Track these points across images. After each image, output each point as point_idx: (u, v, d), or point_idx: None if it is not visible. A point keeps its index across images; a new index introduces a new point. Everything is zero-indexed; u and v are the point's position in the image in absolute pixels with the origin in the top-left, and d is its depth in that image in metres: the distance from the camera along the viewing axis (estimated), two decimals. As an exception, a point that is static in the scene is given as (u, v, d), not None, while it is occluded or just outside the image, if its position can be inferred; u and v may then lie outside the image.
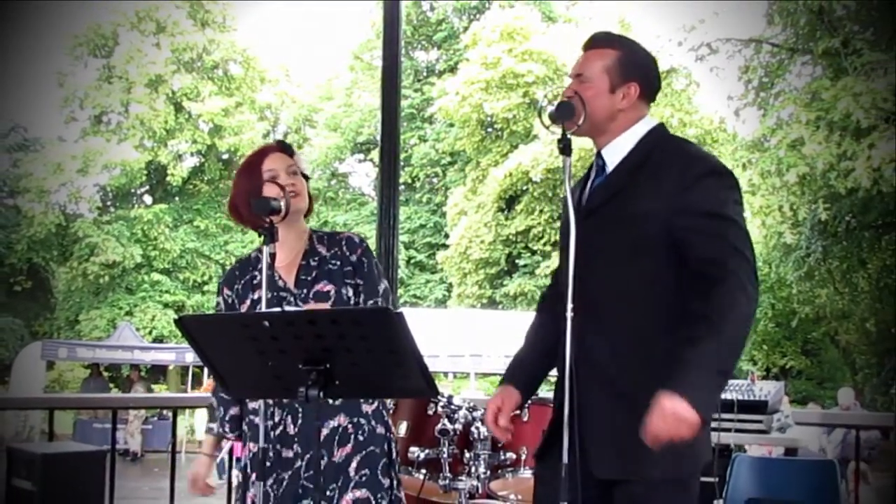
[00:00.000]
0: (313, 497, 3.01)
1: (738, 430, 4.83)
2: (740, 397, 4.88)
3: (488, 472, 3.83)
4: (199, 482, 3.33)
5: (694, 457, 2.68)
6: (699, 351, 2.48)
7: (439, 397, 3.82)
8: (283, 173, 3.21)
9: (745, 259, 2.60)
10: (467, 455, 3.83)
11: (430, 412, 3.85)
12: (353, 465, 3.08)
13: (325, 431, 3.11)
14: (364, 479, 3.08)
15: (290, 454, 3.10)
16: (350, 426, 3.12)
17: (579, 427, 2.53)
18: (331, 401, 3.07)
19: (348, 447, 3.10)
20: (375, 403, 3.19)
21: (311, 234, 3.30)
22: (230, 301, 3.30)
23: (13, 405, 13.96)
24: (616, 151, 2.81)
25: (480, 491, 3.87)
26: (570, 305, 2.52)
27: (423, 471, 3.84)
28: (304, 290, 3.17)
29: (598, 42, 2.88)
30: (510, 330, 13.33)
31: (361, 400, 3.16)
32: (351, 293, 3.18)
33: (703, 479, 4.73)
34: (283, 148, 3.32)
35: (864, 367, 21.68)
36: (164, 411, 18.32)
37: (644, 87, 2.85)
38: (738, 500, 4.49)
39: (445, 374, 20.09)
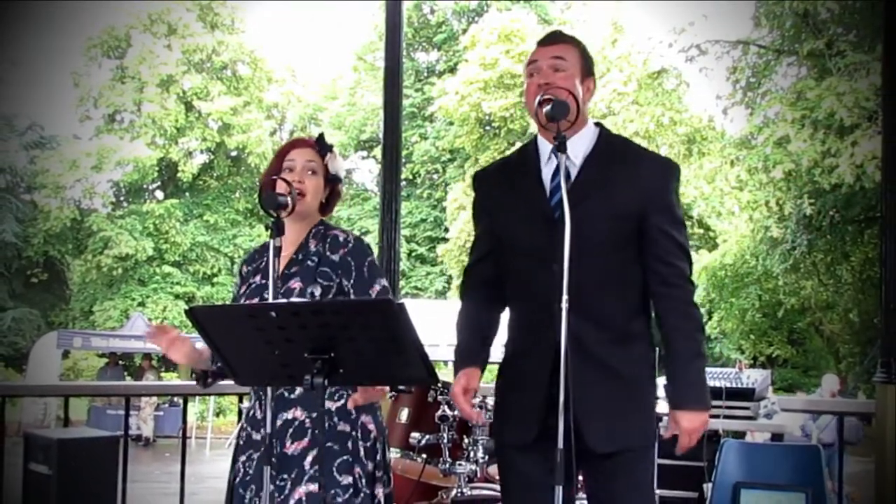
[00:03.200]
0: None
1: (726, 417, 4.83)
2: (728, 385, 4.88)
3: (486, 457, 3.83)
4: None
5: (655, 426, 2.92)
6: (691, 365, 2.78)
7: (439, 385, 3.81)
8: (299, 168, 3.19)
9: (690, 261, 2.86)
10: (466, 440, 3.83)
11: (431, 399, 3.85)
12: (309, 459, 3.02)
13: (278, 422, 3.07)
14: (318, 473, 2.99)
15: (258, 437, 3.10)
16: (308, 420, 3.05)
17: (574, 410, 2.54)
18: (287, 393, 3.08)
19: (304, 441, 3.04)
20: (342, 401, 3.10)
21: (313, 227, 3.25)
22: (245, 277, 3.29)
23: (30, 392, 13.99)
24: (577, 146, 2.80)
25: (479, 475, 3.87)
26: (565, 297, 2.51)
27: (424, 455, 3.84)
28: (282, 284, 3.12)
29: (564, 38, 2.90)
30: (507, 320, 13.31)
31: (326, 397, 3.07)
32: (319, 292, 3.08)
33: (693, 463, 4.74)
34: (319, 144, 3.27)
35: (848, 356, 21.67)
36: (175, 398, 18.34)
37: (594, 86, 2.92)
38: (726, 484, 4.48)
39: (445, 362, 20.06)
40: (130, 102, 29.83)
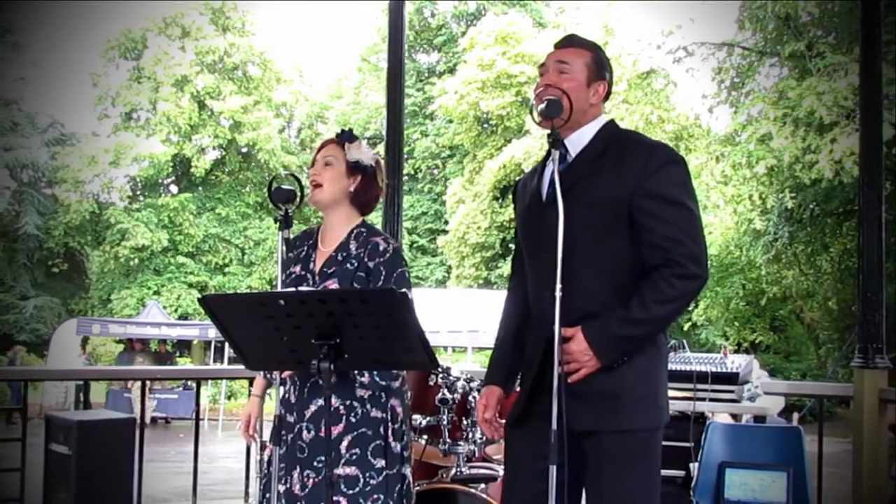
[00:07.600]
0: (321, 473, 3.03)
1: (711, 400, 4.83)
2: (714, 369, 4.87)
3: (484, 438, 3.82)
4: (251, 423, 3.33)
5: (655, 414, 2.71)
6: (623, 323, 2.60)
7: (439, 369, 3.80)
8: (318, 164, 3.20)
9: (693, 242, 2.64)
10: (465, 422, 3.82)
11: (431, 383, 3.84)
12: (345, 443, 3.05)
13: (312, 408, 3.11)
14: (354, 457, 3.05)
15: (291, 419, 3.14)
16: (342, 407, 3.07)
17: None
18: (321, 381, 3.08)
19: (340, 426, 3.06)
20: (372, 390, 3.11)
21: (355, 227, 3.24)
22: (288, 263, 3.28)
23: (51, 377, 14.00)
24: (578, 142, 2.78)
25: (477, 455, 3.87)
26: (559, 286, 2.50)
27: (425, 437, 3.84)
28: (319, 281, 3.16)
29: (576, 42, 2.86)
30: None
31: (357, 385, 3.10)
32: None
33: (680, 444, 4.73)
34: (339, 138, 3.25)
35: (827, 342, 21.69)
36: (189, 382, 18.35)
37: (608, 88, 2.86)
38: (711, 464, 4.48)
39: (445, 348, 20.11)
40: (146, 101, 29.81)
